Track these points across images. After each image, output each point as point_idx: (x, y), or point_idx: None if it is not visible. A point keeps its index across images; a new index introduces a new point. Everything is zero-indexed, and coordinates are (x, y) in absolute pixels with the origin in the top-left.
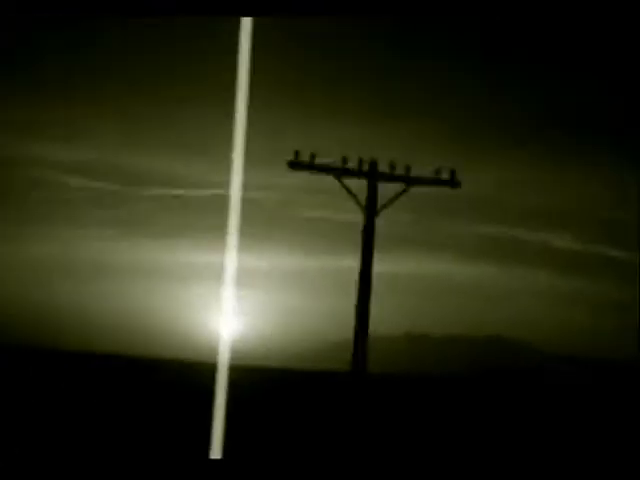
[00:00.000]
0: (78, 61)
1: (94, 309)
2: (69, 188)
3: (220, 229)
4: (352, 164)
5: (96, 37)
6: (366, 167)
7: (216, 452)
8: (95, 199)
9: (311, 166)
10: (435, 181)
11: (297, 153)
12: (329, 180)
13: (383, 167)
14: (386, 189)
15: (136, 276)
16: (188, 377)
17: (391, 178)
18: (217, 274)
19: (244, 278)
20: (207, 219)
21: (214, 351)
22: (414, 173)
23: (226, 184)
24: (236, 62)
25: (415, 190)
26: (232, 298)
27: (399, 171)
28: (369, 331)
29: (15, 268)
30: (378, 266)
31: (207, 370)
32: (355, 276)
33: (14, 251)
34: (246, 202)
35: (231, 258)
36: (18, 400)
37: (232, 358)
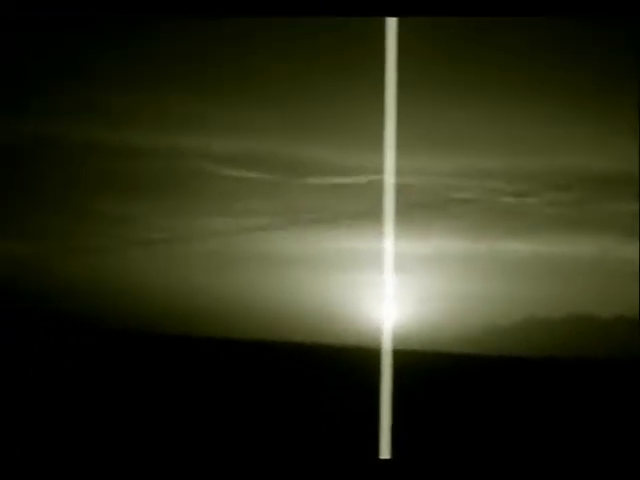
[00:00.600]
0: (231, 54)
1: (255, 298)
2: (227, 179)
3: (378, 215)
4: None
5: (245, 36)
6: None
7: (385, 452)
8: (252, 190)
9: None
10: None
11: None
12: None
13: None
14: None
15: (295, 264)
16: (352, 364)
17: None
18: (377, 260)
19: (407, 263)
20: (364, 205)
21: (378, 337)
22: None
23: (381, 170)
24: (384, 53)
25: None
26: (393, 284)
27: None
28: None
29: (179, 260)
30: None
31: (372, 357)
32: (522, 260)
33: (179, 243)
34: (403, 187)
35: (389, 244)
36: (207, 391)
37: (397, 344)
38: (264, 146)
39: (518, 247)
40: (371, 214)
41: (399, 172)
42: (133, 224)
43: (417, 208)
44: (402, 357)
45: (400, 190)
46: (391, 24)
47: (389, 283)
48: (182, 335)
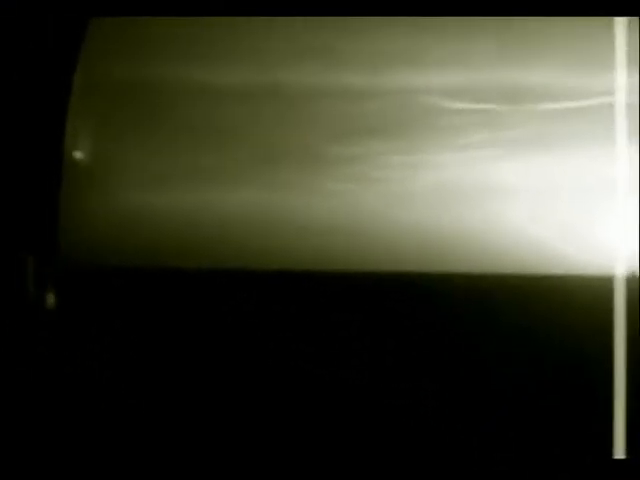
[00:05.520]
0: None
1: (480, 230)
2: (448, 112)
3: (610, 138)
4: None
5: None
6: None
7: (619, 451)
8: (474, 121)
9: None
10: None
11: None
12: None
13: None
14: None
15: (522, 194)
16: (583, 294)
17: None
18: (610, 187)
19: None
20: (594, 130)
21: (611, 265)
22: None
23: (612, 91)
24: None
25: None
26: (627, 210)
27: None
28: None
29: (409, 196)
30: None
31: (605, 285)
32: None
33: (407, 179)
34: (635, 107)
35: (623, 168)
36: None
37: (630, 272)
38: (484, 76)
39: None
40: (602, 137)
41: (631, 91)
42: (365, 164)
43: None
44: (635, 285)
45: (632, 110)
46: None
47: (623, 209)
48: (407, 272)
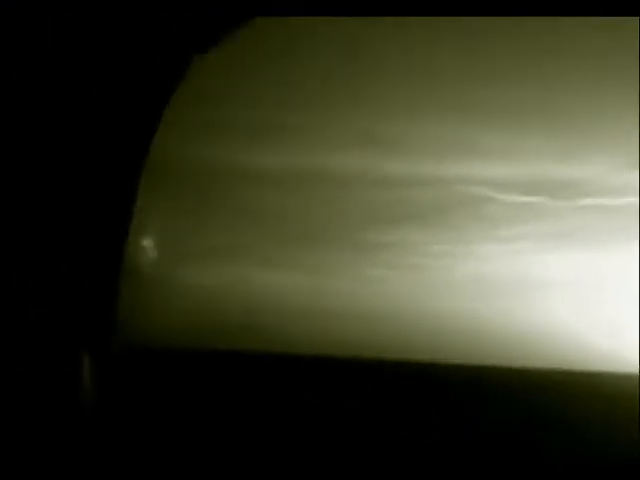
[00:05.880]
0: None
1: (518, 323)
2: (500, 204)
3: None
4: None
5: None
6: None
7: None
8: (517, 214)
9: None
10: None
11: None
12: None
13: None
14: None
15: (562, 288)
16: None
17: None
18: None
19: None
20: (629, 226)
21: (635, 363)
22: None
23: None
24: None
25: None
26: None
27: None
28: None
29: (448, 286)
30: None
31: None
32: None
33: (448, 269)
34: None
35: None
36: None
37: None
38: (529, 169)
39: None
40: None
41: None
42: (405, 252)
43: None
44: None
45: None
46: None
47: None
48: (447, 364)
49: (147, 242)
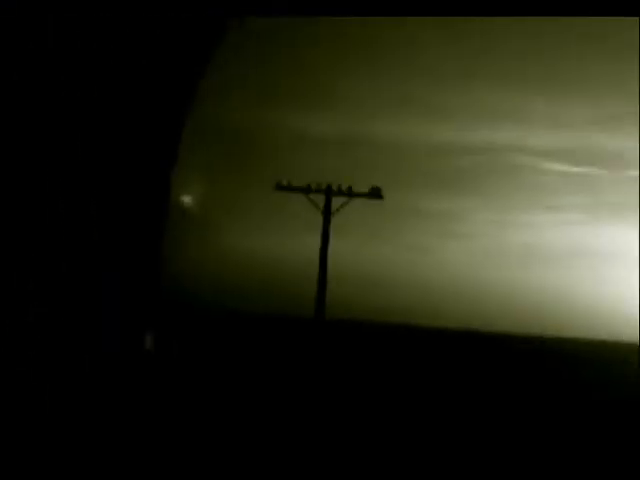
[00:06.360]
0: (550, 51)
1: (566, 293)
2: (549, 174)
3: None
4: None
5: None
6: None
7: None
8: (567, 184)
9: None
10: None
11: None
12: None
13: None
14: None
15: (606, 260)
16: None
17: None
18: None
19: None
20: None
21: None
22: None
23: None
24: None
25: None
26: None
27: None
28: None
29: (496, 254)
30: None
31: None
32: None
33: (496, 237)
34: None
35: None
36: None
37: None
38: (588, 140)
39: None
40: None
41: None
42: (454, 220)
43: None
44: None
45: None
46: None
47: None
48: (497, 333)
49: (191, 201)
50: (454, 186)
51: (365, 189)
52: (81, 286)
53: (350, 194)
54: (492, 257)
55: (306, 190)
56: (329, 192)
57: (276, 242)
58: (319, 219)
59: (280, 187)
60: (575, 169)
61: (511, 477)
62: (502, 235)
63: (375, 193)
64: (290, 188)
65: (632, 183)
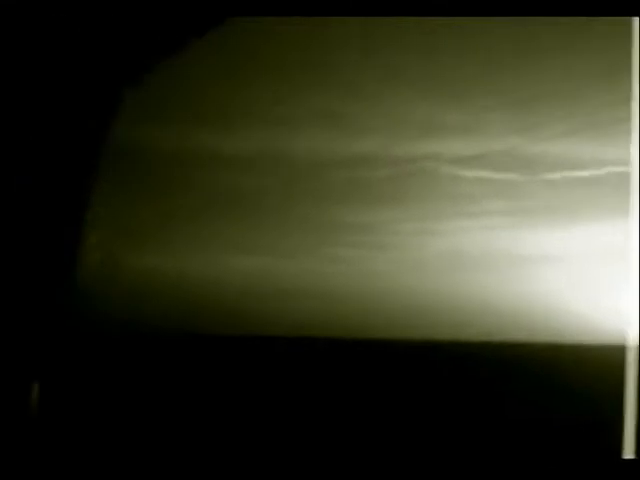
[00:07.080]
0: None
1: (491, 298)
2: (462, 181)
3: (622, 209)
4: None
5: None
6: None
7: (629, 451)
8: (488, 190)
9: None
10: None
11: None
12: None
13: None
14: None
15: (532, 263)
16: (595, 362)
17: None
18: (621, 256)
19: None
20: (605, 199)
21: (622, 335)
22: None
23: (624, 161)
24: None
25: None
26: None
27: None
28: None
29: (418, 263)
30: None
31: (616, 355)
32: None
33: (418, 246)
34: None
35: (635, 239)
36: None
37: None
38: (502, 146)
39: None
40: (612, 208)
41: None
42: (375, 231)
43: None
44: None
45: None
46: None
47: (634, 280)
48: (423, 341)
49: (107, 229)
50: (372, 198)
51: None
52: None
53: None
54: (415, 266)
55: None
56: None
57: (195, 261)
58: None
59: None
60: (495, 176)
61: None
62: (424, 244)
63: None
64: None
65: (550, 186)
